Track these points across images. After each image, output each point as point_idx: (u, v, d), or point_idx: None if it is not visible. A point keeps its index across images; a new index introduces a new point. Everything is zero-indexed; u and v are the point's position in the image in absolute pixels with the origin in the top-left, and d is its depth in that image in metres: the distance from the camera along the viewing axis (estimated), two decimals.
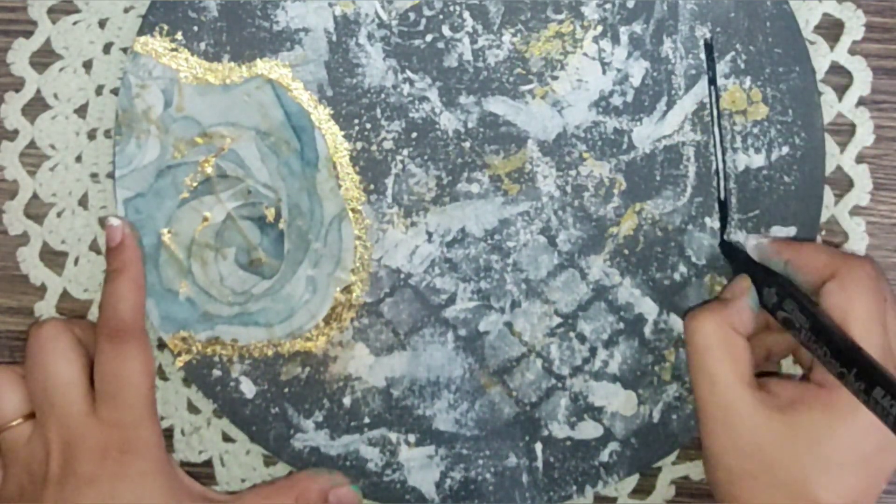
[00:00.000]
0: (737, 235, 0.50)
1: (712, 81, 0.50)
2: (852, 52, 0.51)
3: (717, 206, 0.50)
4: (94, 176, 0.52)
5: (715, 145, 0.50)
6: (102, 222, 0.51)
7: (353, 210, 0.50)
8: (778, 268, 0.47)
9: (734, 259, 0.49)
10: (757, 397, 0.44)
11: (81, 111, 0.52)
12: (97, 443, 0.45)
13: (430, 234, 0.50)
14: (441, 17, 0.50)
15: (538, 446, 0.50)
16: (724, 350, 0.45)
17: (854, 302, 0.44)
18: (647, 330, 0.50)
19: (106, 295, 0.47)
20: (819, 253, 0.46)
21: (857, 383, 0.41)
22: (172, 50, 0.50)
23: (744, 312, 0.46)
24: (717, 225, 0.50)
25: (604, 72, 0.50)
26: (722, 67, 0.50)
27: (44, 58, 0.52)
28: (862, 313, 0.44)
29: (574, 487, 0.50)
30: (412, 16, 0.50)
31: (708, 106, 0.50)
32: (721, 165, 0.50)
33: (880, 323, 0.44)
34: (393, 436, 0.50)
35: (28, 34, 0.52)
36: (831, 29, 0.51)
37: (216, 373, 0.50)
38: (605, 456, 0.50)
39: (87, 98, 0.52)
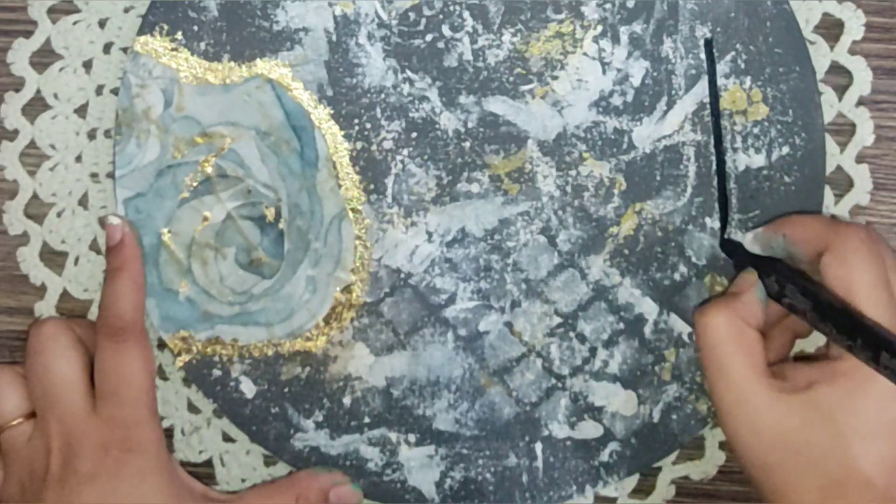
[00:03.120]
0: (737, 235, 0.50)
1: (712, 79, 0.50)
2: (852, 51, 0.51)
3: (717, 205, 0.50)
4: (94, 176, 0.52)
5: (715, 142, 0.50)
6: (102, 222, 0.51)
7: (353, 210, 0.50)
8: (779, 247, 0.47)
9: (735, 256, 0.49)
10: (774, 386, 0.44)
11: (81, 111, 0.52)
12: (98, 441, 0.45)
13: (430, 234, 0.50)
14: (441, 16, 0.50)
15: (538, 446, 0.50)
16: (736, 344, 0.45)
17: (853, 272, 0.43)
18: (647, 330, 0.50)
19: (106, 294, 0.47)
20: (813, 224, 0.46)
21: (865, 352, 0.41)
22: (172, 50, 0.50)
23: (753, 304, 0.46)
24: (717, 225, 0.50)
25: (604, 72, 0.50)
26: (722, 67, 0.50)
27: (44, 58, 0.52)
28: (863, 281, 0.43)
29: (574, 487, 0.50)
30: (412, 15, 0.50)
31: (708, 105, 0.50)
32: (720, 163, 0.50)
33: (883, 288, 0.44)
34: (393, 435, 0.50)
35: (28, 34, 0.52)
36: (831, 29, 0.51)
37: (216, 373, 0.50)
38: (605, 456, 0.50)
39: (87, 98, 0.52)
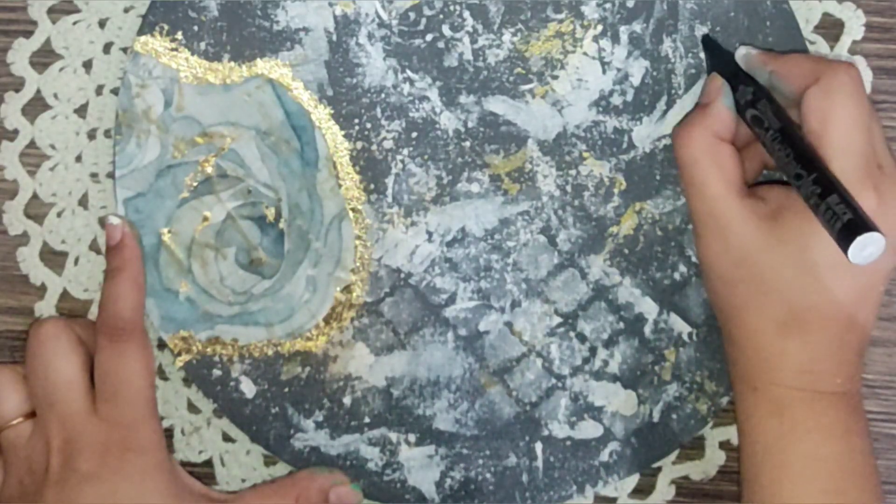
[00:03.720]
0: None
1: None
2: (852, 52, 0.51)
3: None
4: (94, 176, 0.52)
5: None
6: (102, 222, 0.51)
7: (353, 210, 0.50)
8: (763, 79, 0.46)
9: (717, 56, 0.49)
10: (745, 205, 0.44)
11: (81, 111, 0.52)
12: (98, 441, 0.45)
13: (430, 234, 0.50)
14: (441, 16, 0.50)
15: (538, 446, 0.50)
16: (709, 159, 0.45)
17: (836, 105, 0.43)
18: (647, 329, 0.50)
19: (105, 294, 0.47)
20: (803, 60, 0.46)
21: (813, 187, 0.41)
22: (172, 50, 0.50)
23: (722, 114, 0.46)
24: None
25: (604, 71, 0.50)
26: None
27: (44, 58, 0.52)
28: (843, 115, 0.43)
29: (574, 487, 0.50)
30: (412, 15, 0.50)
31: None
32: None
33: (863, 126, 0.43)
34: (393, 435, 0.50)
35: (28, 34, 0.52)
36: (831, 29, 0.51)
37: (216, 373, 0.50)
38: (605, 456, 0.50)
39: (87, 98, 0.52)
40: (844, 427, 0.44)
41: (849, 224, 0.39)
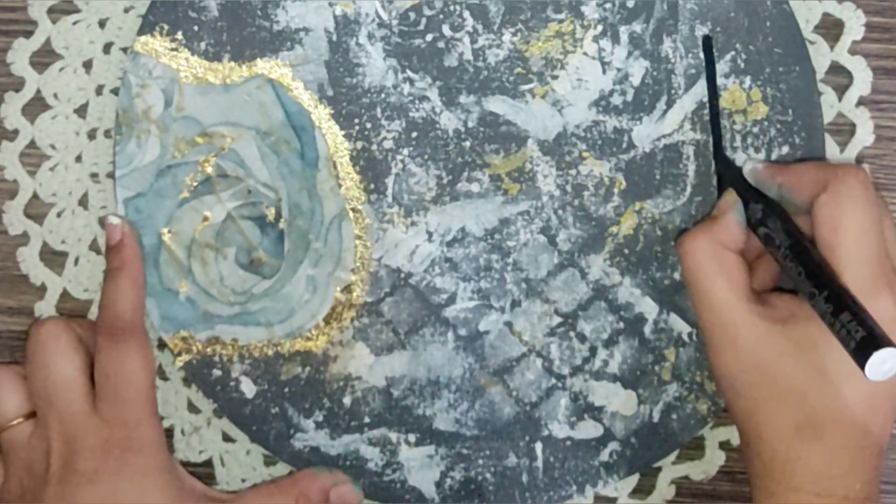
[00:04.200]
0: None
1: (711, 78, 0.50)
2: (852, 51, 0.51)
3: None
4: (94, 176, 0.52)
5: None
6: (102, 222, 0.51)
7: (353, 209, 0.50)
8: (772, 191, 0.46)
9: (727, 174, 0.49)
10: (755, 311, 0.44)
11: (81, 111, 0.52)
12: (98, 441, 0.45)
13: (430, 234, 0.50)
14: (441, 16, 0.50)
15: (538, 446, 0.50)
16: (715, 267, 0.45)
17: (846, 212, 0.43)
18: (647, 329, 0.50)
19: (105, 293, 0.47)
20: (811, 169, 0.46)
21: (825, 305, 0.40)
22: (172, 50, 0.50)
23: (732, 227, 0.46)
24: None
25: (604, 71, 0.50)
26: (722, 67, 0.50)
27: (44, 58, 0.52)
28: (854, 223, 0.43)
29: (574, 487, 0.50)
30: (412, 15, 0.50)
31: (708, 105, 0.50)
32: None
33: (875, 231, 0.43)
34: (393, 435, 0.50)
35: (28, 34, 0.52)
36: (831, 29, 0.51)
37: (216, 373, 0.50)
38: (605, 456, 0.50)
39: (87, 98, 0.52)
40: None
41: (863, 342, 0.39)
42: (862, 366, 0.38)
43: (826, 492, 0.43)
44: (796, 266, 0.43)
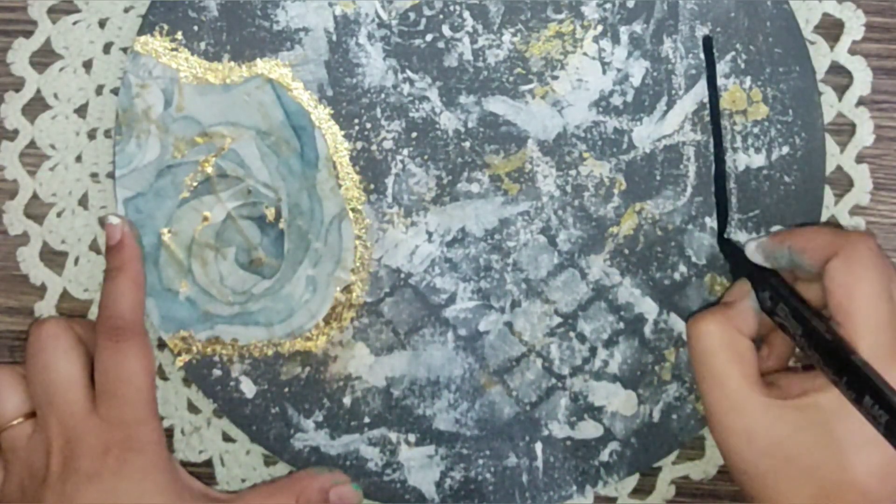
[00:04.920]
0: (737, 235, 0.50)
1: (710, 75, 0.50)
2: (852, 51, 0.51)
3: (715, 203, 0.50)
4: (94, 176, 0.52)
5: (715, 143, 0.50)
6: (102, 222, 0.51)
7: (353, 210, 0.50)
8: (783, 258, 0.46)
9: (733, 259, 0.49)
10: (766, 394, 0.44)
11: (81, 111, 0.52)
12: (98, 441, 0.45)
13: (430, 234, 0.50)
14: (441, 16, 0.50)
15: (538, 446, 0.50)
16: (729, 352, 0.45)
17: (858, 279, 0.43)
18: (647, 330, 0.50)
19: (105, 293, 0.47)
20: (820, 234, 0.46)
21: (848, 392, 0.41)
22: (172, 50, 0.50)
23: (746, 314, 0.46)
24: (717, 225, 0.50)
25: (604, 72, 0.50)
26: (722, 67, 0.50)
27: (44, 58, 0.52)
28: (868, 289, 0.43)
29: (574, 487, 0.50)
30: (412, 15, 0.50)
31: (708, 106, 0.50)
32: (719, 161, 0.50)
33: (886, 297, 0.43)
34: (393, 435, 0.50)
35: (28, 34, 0.52)
36: (831, 29, 0.51)
37: (216, 372, 0.50)
38: (605, 456, 0.50)
39: (87, 98, 0.52)
40: None
41: (889, 425, 0.39)
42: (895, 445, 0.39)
43: None
44: (814, 354, 0.43)
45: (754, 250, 0.48)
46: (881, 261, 0.44)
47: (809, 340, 0.43)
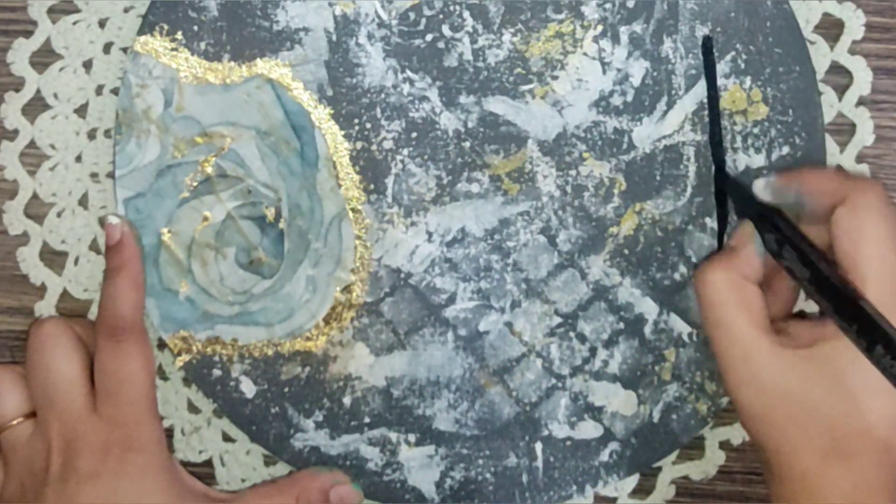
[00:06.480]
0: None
1: (711, 79, 0.50)
2: (852, 51, 0.51)
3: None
4: (94, 176, 0.52)
5: (712, 141, 0.50)
6: (102, 222, 0.51)
7: (353, 210, 0.50)
8: (790, 199, 0.46)
9: (737, 198, 0.48)
10: (776, 342, 0.44)
11: (81, 111, 0.52)
12: (98, 440, 0.45)
13: (430, 234, 0.50)
14: (441, 16, 0.50)
15: (538, 446, 0.50)
16: (736, 300, 0.45)
17: (866, 224, 0.43)
18: (647, 330, 0.50)
19: (105, 293, 0.47)
20: (829, 178, 0.45)
21: (858, 340, 0.40)
22: (172, 50, 0.50)
23: (752, 259, 0.46)
24: (717, 225, 0.50)
25: (604, 72, 0.50)
26: (722, 67, 0.50)
27: (44, 58, 0.52)
28: (875, 234, 0.43)
29: (574, 487, 0.50)
30: (412, 15, 0.50)
31: (708, 106, 0.50)
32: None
33: (893, 245, 0.43)
34: (393, 435, 0.50)
35: (28, 34, 0.52)
36: (831, 29, 0.51)
37: (216, 372, 0.50)
38: (605, 456, 0.50)
39: (87, 98, 0.52)
40: None
41: None
42: None
43: None
44: (823, 301, 0.42)
45: (763, 188, 0.47)
46: (889, 209, 0.44)
47: (817, 286, 0.43)
